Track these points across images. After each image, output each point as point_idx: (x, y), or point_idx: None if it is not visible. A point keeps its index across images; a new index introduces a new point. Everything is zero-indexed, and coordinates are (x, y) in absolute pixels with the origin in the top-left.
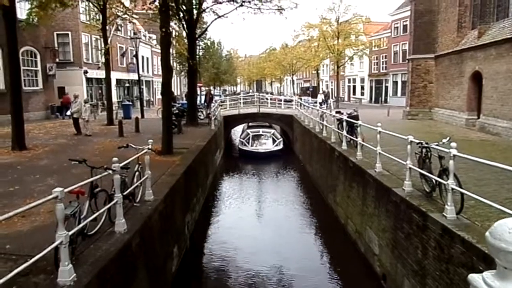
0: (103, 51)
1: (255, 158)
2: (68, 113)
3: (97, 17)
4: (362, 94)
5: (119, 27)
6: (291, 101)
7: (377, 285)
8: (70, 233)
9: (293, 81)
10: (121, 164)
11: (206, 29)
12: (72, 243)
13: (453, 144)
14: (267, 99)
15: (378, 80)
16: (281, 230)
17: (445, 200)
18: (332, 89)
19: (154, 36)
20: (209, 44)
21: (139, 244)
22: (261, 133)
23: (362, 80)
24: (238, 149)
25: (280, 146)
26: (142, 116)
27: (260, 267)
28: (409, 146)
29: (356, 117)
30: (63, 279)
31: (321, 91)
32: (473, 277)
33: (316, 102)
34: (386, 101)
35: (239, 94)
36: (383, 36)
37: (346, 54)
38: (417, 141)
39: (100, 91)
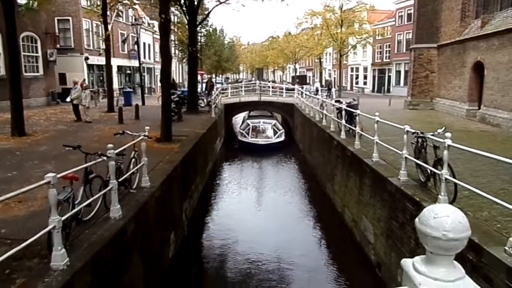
0: (103, 37)
1: (255, 150)
2: (68, 99)
3: (98, 3)
4: (365, 83)
5: (120, 13)
6: (293, 89)
7: (371, 273)
8: (63, 218)
9: (295, 69)
10: (116, 151)
11: (207, 16)
12: (65, 228)
13: (448, 134)
14: (268, 87)
15: (381, 69)
16: (279, 218)
17: (439, 190)
18: (335, 78)
19: (156, 23)
20: (211, 31)
21: (134, 230)
22: (261, 123)
23: (365, 69)
24: (238, 140)
25: (282, 138)
26: (143, 103)
27: (257, 254)
28: (405, 136)
29: (355, 106)
30: (56, 263)
31: (317, 79)
32: (405, 262)
33: (311, 90)
34: (389, 90)
35: (241, 82)
36: (387, 24)
37: (349, 42)
38: (413, 130)
39: (101, 78)
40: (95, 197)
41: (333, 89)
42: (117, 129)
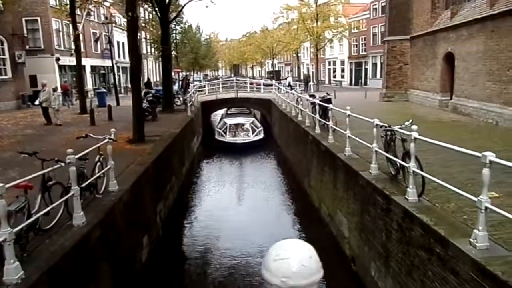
0: (73, 37)
1: (233, 150)
2: (37, 102)
3: (66, 1)
4: (343, 76)
5: (90, 12)
6: (271, 85)
7: (346, 268)
8: (16, 229)
9: (273, 64)
10: (76, 156)
11: (179, 12)
12: (20, 239)
13: (414, 127)
14: (245, 83)
15: (358, 62)
16: (256, 215)
17: (407, 182)
18: (313, 72)
19: None
20: (186, 28)
21: (100, 237)
22: (239, 121)
23: (342, 62)
24: (215, 140)
25: (260, 136)
26: (118, 103)
27: (235, 251)
28: (375, 129)
29: (329, 101)
30: (9, 278)
31: (288, 74)
32: None
33: (285, 85)
34: (366, 83)
35: (220, 78)
36: (362, 17)
37: (326, 36)
38: (381, 124)
39: (74, 79)
40: (53, 205)
41: (310, 83)
42: (87, 132)
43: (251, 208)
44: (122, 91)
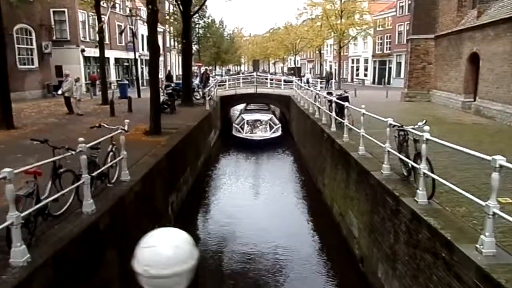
0: (96, 29)
1: (250, 146)
2: (59, 92)
3: None
4: (366, 75)
5: (115, 4)
6: (291, 81)
7: (355, 268)
8: (24, 213)
9: (295, 61)
10: (88, 145)
11: (201, 6)
12: (28, 224)
13: (426, 128)
14: (266, 79)
15: (382, 61)
16: (269, 211)
17: (418, 184)
18: (335, 69)
19: None
20: (209, 22)
21: (109, 225)
22: (257, 118)
23: (366, 60)
24: (232, 135)
25: (278, 133)
26: (139, 95)
27: (247, 245)
28: (388, 129)
29: (346, 99)
30: (16, 260)
31: (307, 70)
32: None
33: (302, 82)
34: (389, 82)
35: (243, 73)
36: (388, 15)
37: (350, 34)
38: (395, 123)
39: (98, 70)
40: (63, 191)
41: (332, 81)
42: (109, 122)
43: (264, 204)
44: (145, 83)
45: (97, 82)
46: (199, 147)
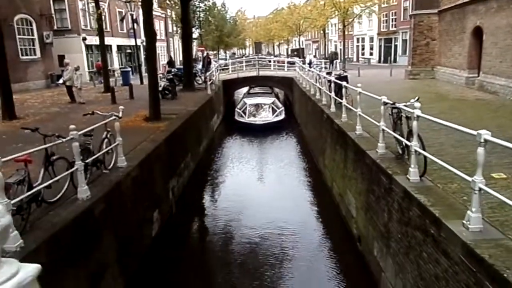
0: (96, 16)
1: (253, 131)
2: (61, 81)
3: None
4: (371, 54)
5: None
6: (294, 63)
7: (353, 247)
8: (15, 200)
9: (300, 42)
10: (80, 132)
11: None
12: (21, 210)
13: (417, 104)
14: (269, 61)
15: (388, 38)
16: (271, 195)
17: (410, 162)
18: (340, 49)
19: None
20: (210, 5)
21: (105, 210)
22: (259, 101)
23: (371, 39)
24: (235, 120)
25: (281, 116)
26: (142, 82)
27: (249, 228)
28: (382, 107)
29: (345, 78)
30: (9, 246)
31: (311, 51)
32: None
33: (304, 63)
34: (395, 60)
35: (247, 57)
36: None
37: (354, 12)
38: (388, 101)
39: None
40: (55, 178)
41: (337, 61)
42: (109, 109)
43: (265, 187)
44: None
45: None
46: (201, 132)
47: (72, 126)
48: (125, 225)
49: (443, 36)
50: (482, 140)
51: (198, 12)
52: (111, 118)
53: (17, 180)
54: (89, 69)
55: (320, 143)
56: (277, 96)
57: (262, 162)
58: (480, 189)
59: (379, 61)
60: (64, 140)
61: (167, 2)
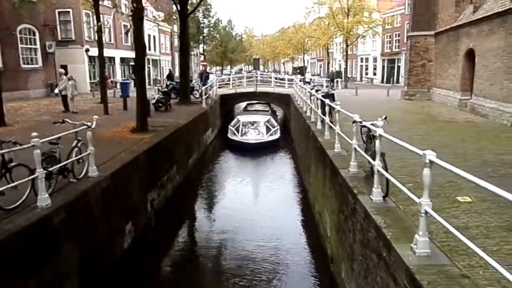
0: (96, 28)
1: (245, 150)
2: (56, 91)
3: None
4: (375, 74)
5: (116, 4)
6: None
7: (326, 268)
8: None
9: (304, 60)
10: (43, 140)
11: (198, 5)
12: None
13: (379, 123)
14: (270, 78)
15: (391, 59)
16: (255, 212)
17: (373, 182)
18: (345, 68)
19: (161, 14)
20: (214, 22)
21: (66, 219)
22: (253, 119)
23: (375, 59)
24: (228, 138)
25: (276, 136)
26: None
27: (227, 245)
28: (354, 125)
29: (332, 96)
30: None
31: (309, 70)
32: None
33: (301, 80)
34: (398, 81)
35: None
36: (396, 13)
37: (357, 32)
38: (358, 120)
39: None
40: (9, 185)
41: (338, 80)
42: (101, 120)
43: (250, 204)
44: (151, 83)
45: (109, 80)
46: (190, 145)
47: (34, 134)
48: (91, 235)
49: (439, 58)
50: (427, 161)
51: (202, 28)
52: (81, 128)
53: None
54: (90, 79)
55: (307, 161)
56: (274, 114)
57: (250, 179)
58: (426, 212)
59: (382, 81)
60: (22, 147)
61: (173, 17)
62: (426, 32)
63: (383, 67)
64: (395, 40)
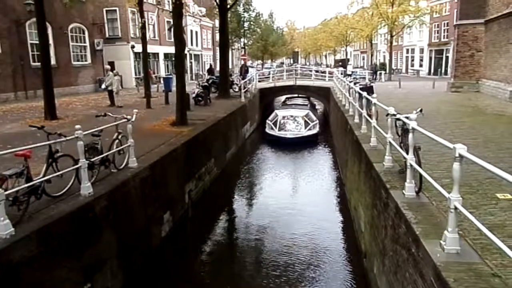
0: (140, 24)
1: (282, 145)
2: (103, 86)
3: None
4: (421, 65)
5: (160, 1)
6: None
7: (359, 264)
8: (9, 191)
9: (346, 52)
10: (85, 132)
11: (237, 0)
12: (16, 201)
13: (413, 116)
14: (310, 71)
15: (439, 50)
16: (293, 206)
17: (407, 176)
18: (389, 60)
19: (203, 9)
20: (255, 15)
21: (106, 207)
22: (291, 114)
23: (422, 50)
24: (265, 133)
25: (314, 130)
26: None
27: (263, 238)
28: (389, 119)
29: (370, 89)
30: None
31: (350, 62)
32: None
33: (342, 73)
34: (446, 72)
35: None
36: (445, 0)
37: (403, 22)
38: (393, 112)
39: (152, 65)
40: (56, 174)
41: (382, 72)
42: (143, 114)
43: (288, 198)
44: (194, 77)
45: (153, 76)
46: (228, 138)
47: (77, 126)
48: (130, 223)
49: (489, 48)
50: (457, 155)
51: (242, 22)
52: (121, 121)
53: (13, 173)
54: (135, 75)
55: (344, 155)
56: (314, 108)
57: (288, 173)
58: (456, 207)
59: (429, 73)
60: (66, 138)
61: (214, 12)
62: (475, 20)
63: (430, 58)
64: (444, 30)
